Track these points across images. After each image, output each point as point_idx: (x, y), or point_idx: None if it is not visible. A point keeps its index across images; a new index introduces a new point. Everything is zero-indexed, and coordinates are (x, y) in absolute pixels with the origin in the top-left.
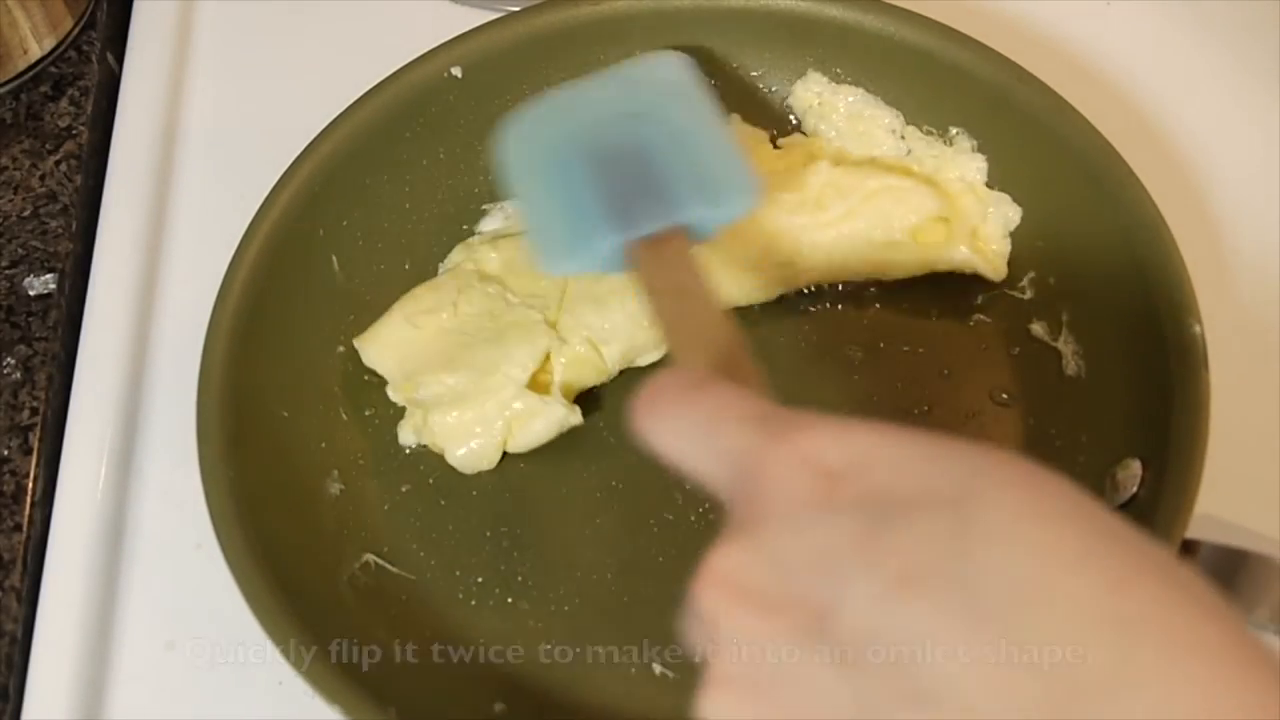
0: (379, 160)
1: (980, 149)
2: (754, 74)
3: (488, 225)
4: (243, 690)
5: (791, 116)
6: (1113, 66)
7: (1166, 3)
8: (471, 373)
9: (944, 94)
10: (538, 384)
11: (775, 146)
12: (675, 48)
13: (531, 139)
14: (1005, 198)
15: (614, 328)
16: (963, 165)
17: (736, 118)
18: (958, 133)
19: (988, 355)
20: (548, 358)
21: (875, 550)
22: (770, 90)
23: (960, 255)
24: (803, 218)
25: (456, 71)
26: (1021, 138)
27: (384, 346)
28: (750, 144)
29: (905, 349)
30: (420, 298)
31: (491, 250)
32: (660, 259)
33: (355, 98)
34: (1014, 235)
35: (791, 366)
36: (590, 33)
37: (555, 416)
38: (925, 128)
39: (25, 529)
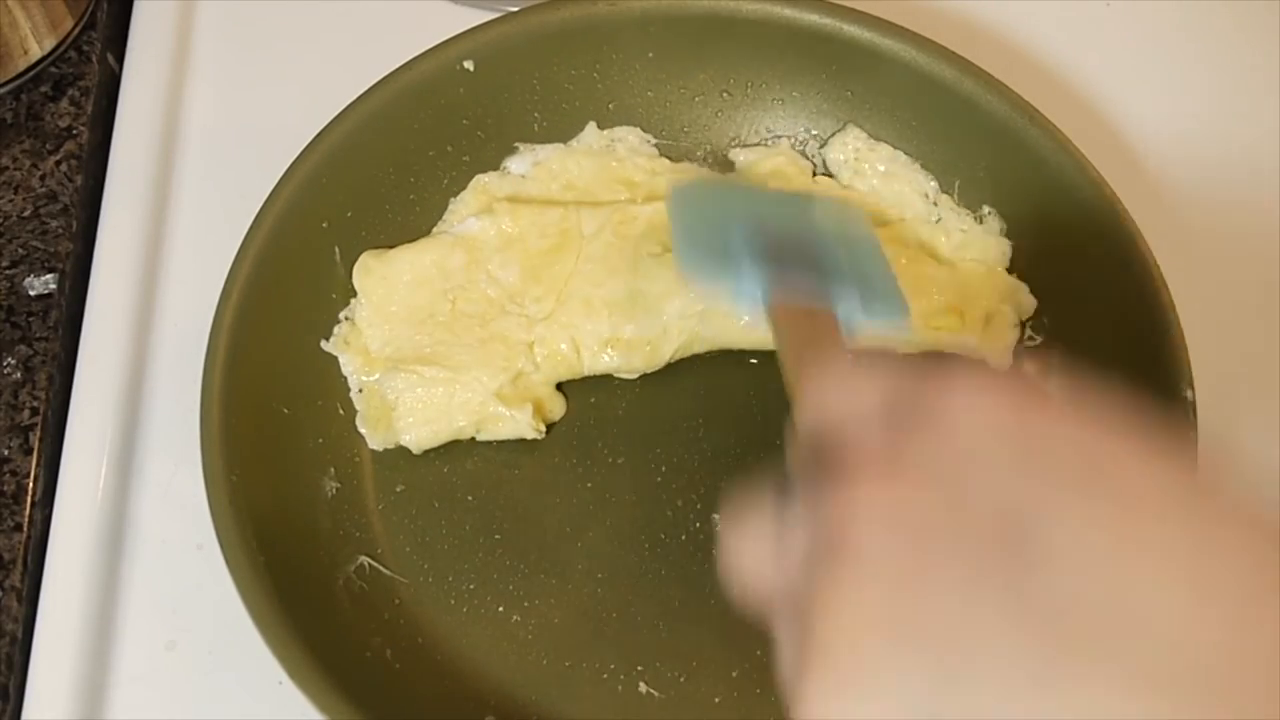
0: (385, 152)
1: (1008, 233)
2: (790, 95)
3: (515, 165)
4: (243, 690)
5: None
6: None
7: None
8: (445, 370)
9: (972, 144)
10: (504, 395)
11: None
12: (694, 54)
13: (702, 200)
14: (1023, 288)
15: (597, 333)
16: (989, 248)
17: (785, 143)
18: (989, 213)
19: None
20: (518, 375)
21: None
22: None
23: (968, 343)
24: None
25: (469, 65)
26: (1030, 184)
27: (376, 315)
28: (793, 173)
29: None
30: (429, 280)
31: (509, 218)
32: (805, 321)
33: (356, 97)
34: (1016, 267)
35: (784, 389)
36: (607, 31)
37: (519, 426)
38: (958, 194)
39: (25, 529)
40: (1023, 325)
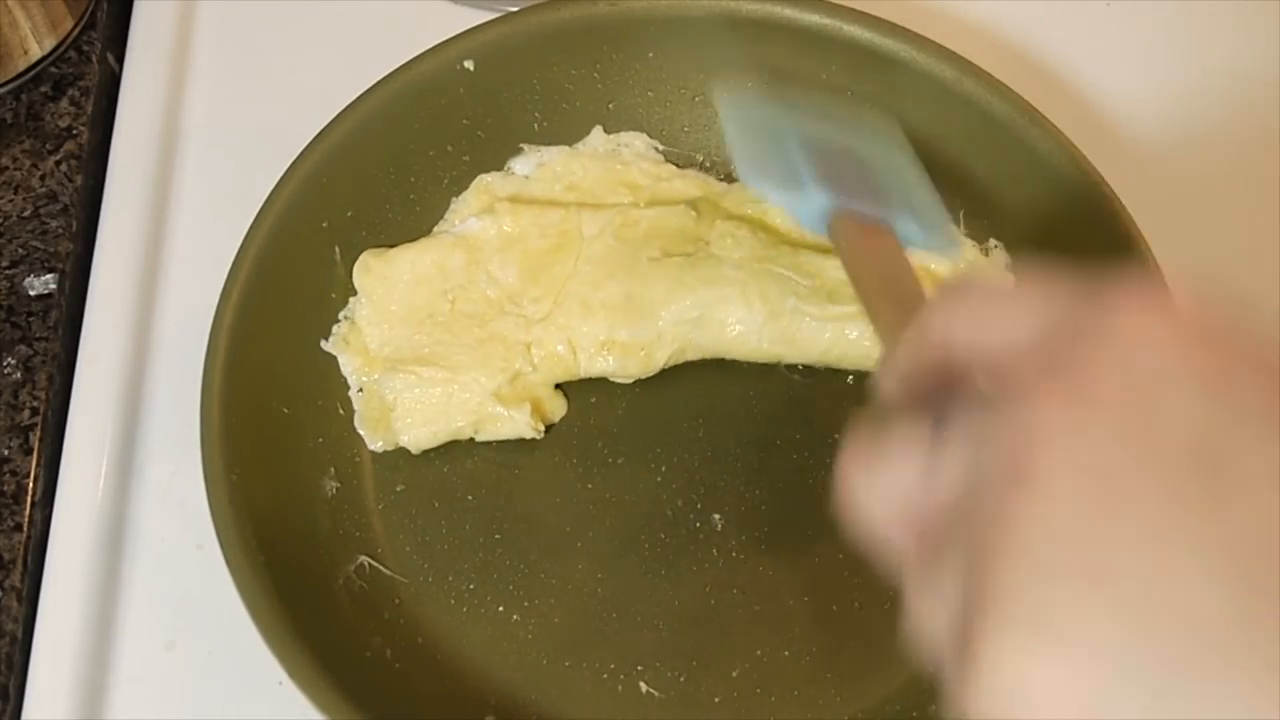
0: (385, 152)
1: (1013, 269)
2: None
3: (519, 166)
4: (243, 690)
5: None
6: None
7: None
8: (444, 370)
9: (972, 144)
10: (502, 395)
11: None
12: (694, 54)
13: (753, 114)
14: None
15: (593, 335)
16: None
17: None
18: (995, 246)
19: None
20: (516, 376)
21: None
22: None
23: None
24: (811, 306)
25: (469, 64)
26: (1029, 184)
27: (376, 315)
28: None
29: None
30: (429, 280)
31: (510, 218)
32: (868, 237)
33: (356, 96)
34: (1012, 270)
35: (784, 390)
36: (607, 31)
37: (518, 426)
38: (964, 224)
39: (25, 529)
40: None
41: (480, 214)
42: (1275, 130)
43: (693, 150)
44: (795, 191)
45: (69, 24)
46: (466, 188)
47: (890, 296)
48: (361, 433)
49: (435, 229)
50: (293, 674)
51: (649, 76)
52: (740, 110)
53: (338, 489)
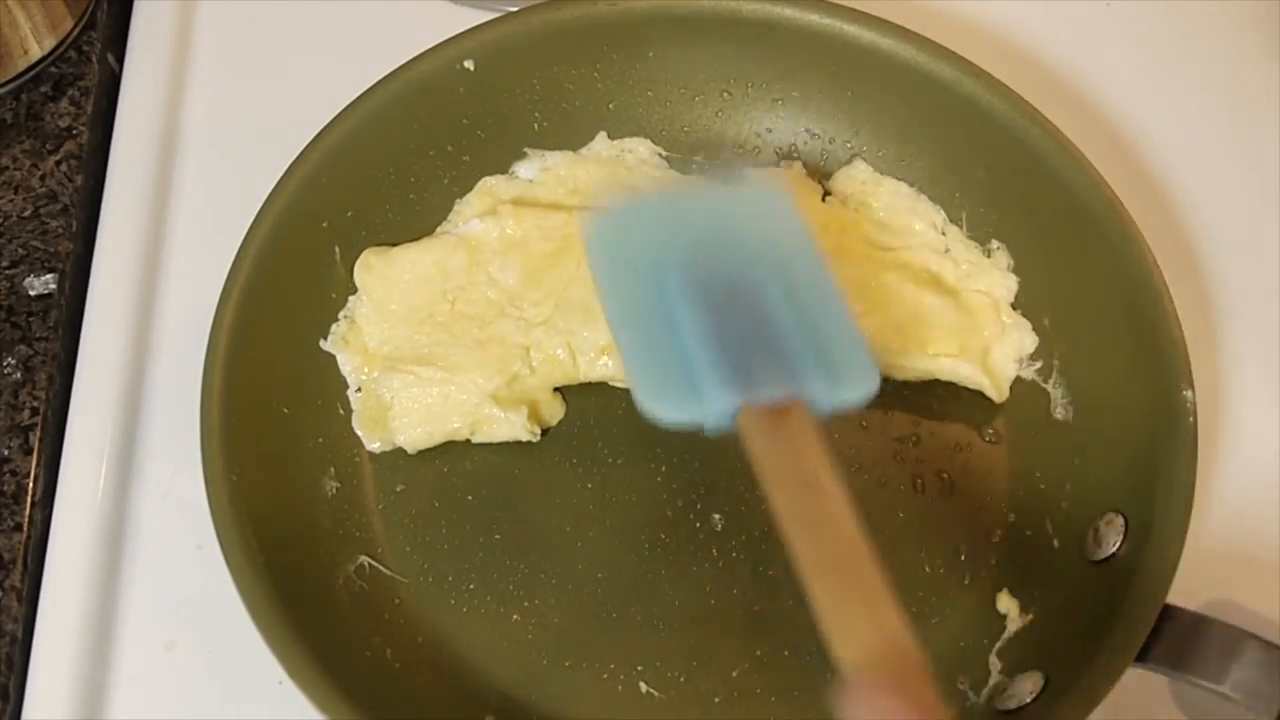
0: (385, 152)
1: (1016, 269)
2: (790, 95)
3: (524, 170)
4: (243, 690)
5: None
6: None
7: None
8: (441, 371)
9: (972, 144)
10: (499, 398)
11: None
12: (694, 54)
13: (627, 250)
14: (1026, 325)
15: (594, 340)
16: (994, 281)
17: (799, 165)
18: (998, 247)
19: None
20: (513, 378)
21: None
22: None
23: (966, 372)
24: None
25: (469, 64)
26: (1029, 184)
27: (376, 313)
28: (802, 192)
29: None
30: (430, 280)
31: (513, 220)
32: (779, 434)
33: (356, 96)
34: (1015, 271)
35: None
36: (607, 31)
37: (514, 429)
38: (967, 226)
39: (25, 529)
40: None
41: (483, 215)
42: (1275, 129)
43: (693, 150)
44: (695, 404)
45: (69, 24)
46: (468, 188)
47: (811, 542)
48: (359, 433)
49: (438, 229)
50: (293, 674)
51: (649, 76)
52: (612, 254)
53: (338, 489)
